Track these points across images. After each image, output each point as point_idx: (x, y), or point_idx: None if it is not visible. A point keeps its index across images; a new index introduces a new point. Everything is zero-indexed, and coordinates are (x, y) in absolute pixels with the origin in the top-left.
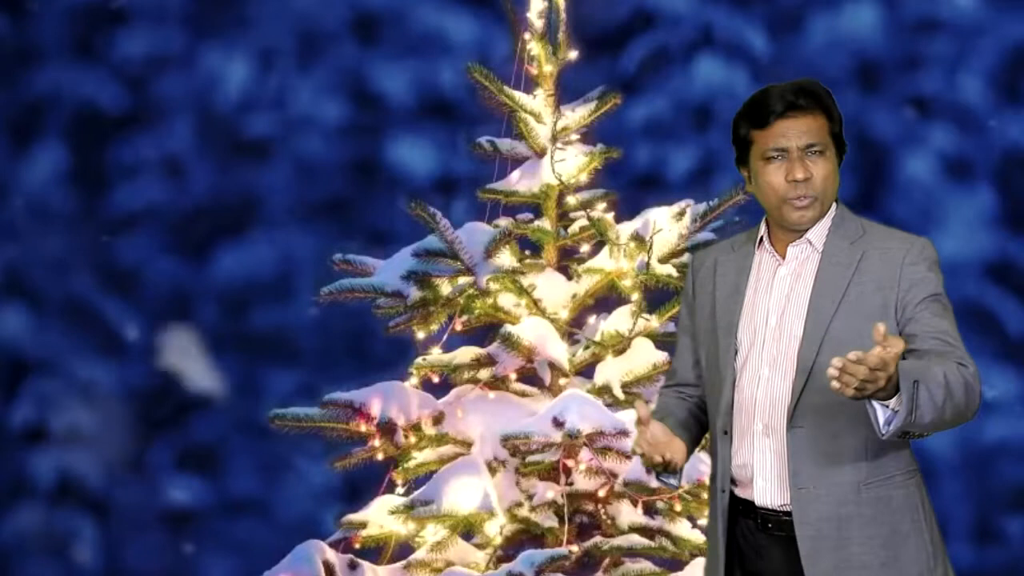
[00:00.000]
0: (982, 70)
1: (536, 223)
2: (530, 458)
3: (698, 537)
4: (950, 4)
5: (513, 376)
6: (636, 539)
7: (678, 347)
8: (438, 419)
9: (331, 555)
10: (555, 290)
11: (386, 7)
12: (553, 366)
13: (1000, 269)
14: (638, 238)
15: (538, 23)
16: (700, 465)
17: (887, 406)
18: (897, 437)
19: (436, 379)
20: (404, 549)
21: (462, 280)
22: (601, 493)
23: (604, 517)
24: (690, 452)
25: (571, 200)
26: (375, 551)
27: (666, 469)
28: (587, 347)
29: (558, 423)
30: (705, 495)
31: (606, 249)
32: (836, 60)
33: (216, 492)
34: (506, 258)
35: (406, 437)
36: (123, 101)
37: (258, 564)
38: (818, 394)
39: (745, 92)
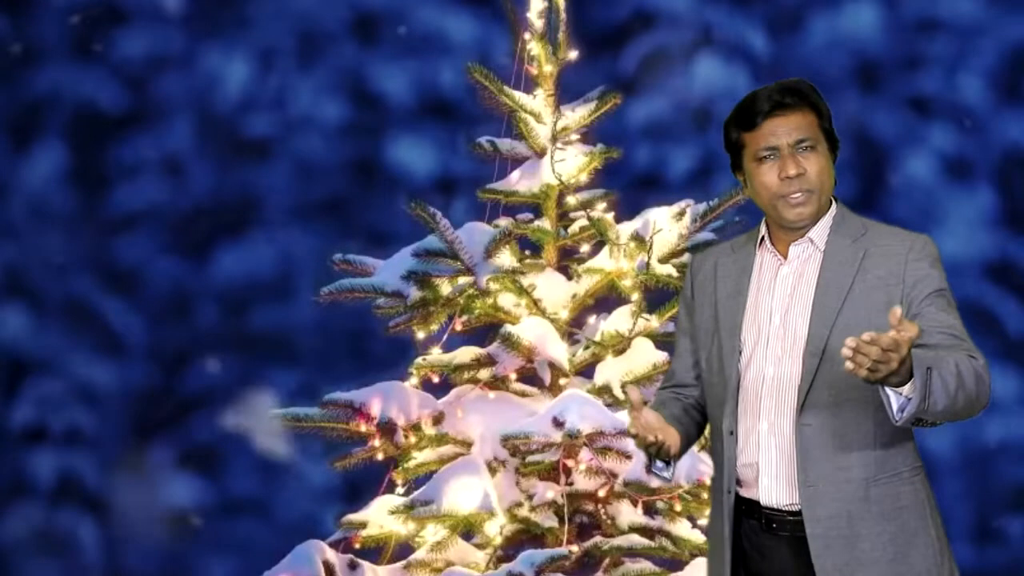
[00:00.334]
0: (982, 70)
1: (536, 223)
2: (530, 458)
3: (698, 537)
4: (950, 4)
5: (513, 376)
6: (636, 539)
7: (677, 349)
8: (438, 419)
9: (331, 555)
10: (555, 290)
11: (386, 7)
12: (553, 366)
13: (1000, 269)
14: (638, 238)
15: (538, 23)
16: (700, 465)
17: (900, 393)
18: (910, 424)
19: (436, 379)
20: (404, 549)
21: (462, 280)
22: (601, 493)
23: (604, 517)
24: (684, 446)
25: (571, 200)
26: (375, 551)
27: (659, 454)
28: (587, 347)
29: (558, 423)
30: (705, 495)
31: (606, 249)
32: (836, 60)
33: (216, 492)
34: (506, 258)
35: (406, 437)
36: (123, 101)
37: (258, 564)
38: (824, 392)
39: (745, 92)
